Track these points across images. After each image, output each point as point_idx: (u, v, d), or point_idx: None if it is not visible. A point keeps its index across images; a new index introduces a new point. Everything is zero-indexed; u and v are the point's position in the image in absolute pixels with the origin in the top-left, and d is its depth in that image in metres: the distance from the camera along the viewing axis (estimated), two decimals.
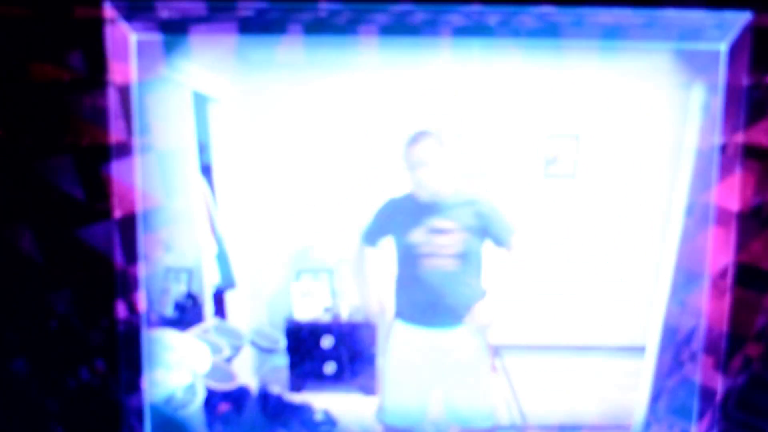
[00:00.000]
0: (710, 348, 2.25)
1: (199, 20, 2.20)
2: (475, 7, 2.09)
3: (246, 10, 2.15)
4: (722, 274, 2.19)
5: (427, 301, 2.70)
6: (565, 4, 2.08)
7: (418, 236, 2.67)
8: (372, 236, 2.84)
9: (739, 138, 2.13)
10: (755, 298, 2.16)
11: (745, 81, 2.11)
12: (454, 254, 2.65)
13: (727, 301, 2.18)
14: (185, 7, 2.13)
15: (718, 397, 2.22)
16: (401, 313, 2.80)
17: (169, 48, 2.28)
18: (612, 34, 2.23)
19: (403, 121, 4.05)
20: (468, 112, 4.22)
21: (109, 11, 2.07)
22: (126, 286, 2.21)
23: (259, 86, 4.11)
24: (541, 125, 4.35)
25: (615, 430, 3.03)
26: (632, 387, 2.85)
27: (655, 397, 2.66)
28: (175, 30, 2.24)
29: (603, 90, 4.13)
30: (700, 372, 2.30)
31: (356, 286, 3.00)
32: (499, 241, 2.72)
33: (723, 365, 2.20)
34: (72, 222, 2.13)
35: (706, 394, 2.26)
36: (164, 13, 2.16)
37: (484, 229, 2.68)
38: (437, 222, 2.65)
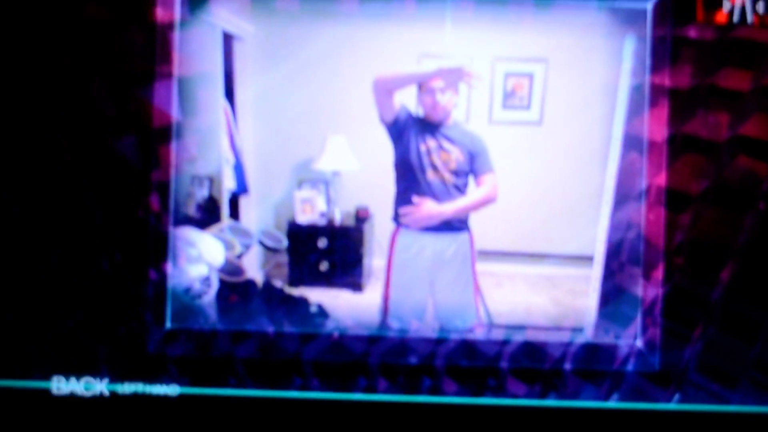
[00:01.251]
0: (636, 259, 2.57)
1: None
2: None
3: None
4: (652, 195, 2.50)
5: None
6: None
7: (424, 148, 3.03)
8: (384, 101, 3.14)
9: (666, 79, 2.48)
10: (676, 217, 2.45)
11: (668, 33, 2.46)
12: (451, 170, 3.05)
13: (655, 218, 2.49)
14: None
15: (644, 305, 2.52)
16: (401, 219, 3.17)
17: None
18: None
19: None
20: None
21: None
22: (157, 188, 2.48)
23: (277, 29, 4.33)
24: (501, 65, 4.60)
25: (568, 331, 3.19)
26: (583, 293, 3.10)
27: (602, 304, 2.94)
28: None
29: (550, 38, 4.15)
30: (627, 281, 2.65)
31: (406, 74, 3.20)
32: (476, 173, 3.11)
33: (646, 275, 2.51)
34: (111, 133, 2.41)
35: (633, 301, 2.58)
36: None
37: (473, 157, 3.09)
38: (441, 140, 3.05)
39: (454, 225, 3.16)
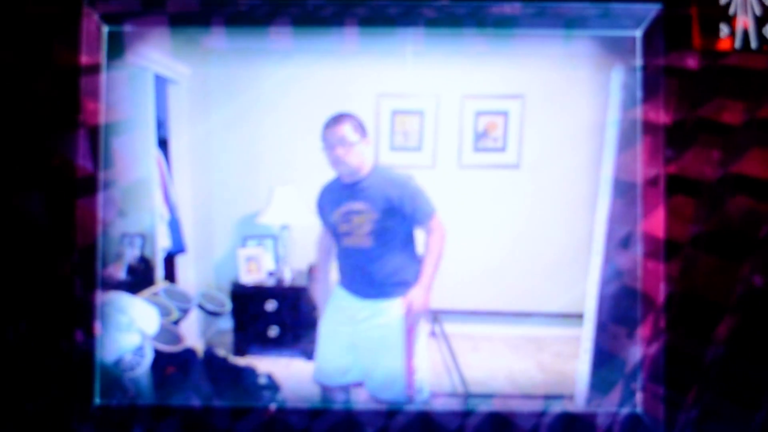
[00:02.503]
0: (632, 316, 2.42)
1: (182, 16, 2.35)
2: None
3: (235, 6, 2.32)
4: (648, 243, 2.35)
5: (353, 274, 2.88)
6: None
7: (336, 217, 2.83)
8: (323, 222, 3.00)
9: (660, 115, 2.31)
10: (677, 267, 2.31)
11: (660, 62, 2.31)
12: (368, 233, 2.78)
13: (653, 269, 2.34)
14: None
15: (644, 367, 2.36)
16: (341, 281, 2.96)
17: (136, 38, 2.42)
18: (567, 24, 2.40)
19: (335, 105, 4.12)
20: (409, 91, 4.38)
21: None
22: (80, 249, 2.30)
23: (216, 70, 4.19)
24: (471, 103, 4.46)
25: (557, 400, 3.06)
26: (571, 355, 3.00)
27: (595, 367, 2.81)
28: (151, 23, 2.40)
29: (526, 71, 4.26)
30: (623, 341, 2.49)
31: (317, 267, 3.17)
32: (416, 222, 2.85)
33: (643, 334, 2.35)
34: (21, 188, 2.25)
35: (629, 363, 2.42)
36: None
37: (399, 210, 2.79)
38: (351, 203, 2.79)
39: (376, 291, 2.89)
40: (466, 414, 2.44)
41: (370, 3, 2.35)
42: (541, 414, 2.42)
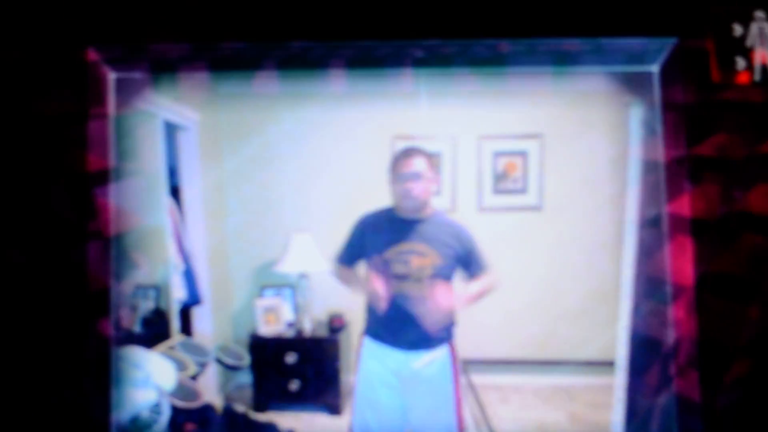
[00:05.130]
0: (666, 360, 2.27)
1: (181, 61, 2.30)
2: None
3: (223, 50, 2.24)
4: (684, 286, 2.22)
5: (400, 323, 2.64)
6: (515, 37, 2.20)
7: (391, 254, 2.63)
8: (349, 257, 2.79)
9: (682, 151, 2.20)
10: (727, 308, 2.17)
11: (678, 98, 2.20)
12: (425, 277, 2.61)
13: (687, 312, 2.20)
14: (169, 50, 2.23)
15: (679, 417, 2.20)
16: (371, 331, 2.76)
17: (145, 85, 2.34)
18: (559, 60, 2.34)
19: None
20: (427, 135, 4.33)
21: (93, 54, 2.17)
22: (98, 306, 2.17)
23: (227, 115, 4.21)
24: (489, 144, 4.43)
25: None
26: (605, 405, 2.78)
27: (629, 418, 2.62)
28: (159, 70, 2.34)
29: (543, 110, 4.23)
30: (659, 388, 2.31)
31: (354, 288, 2.86)
32: (471, 273, 2.71)
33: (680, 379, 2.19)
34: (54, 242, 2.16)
35: (667, 412, 2.27)
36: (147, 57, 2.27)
37: (461, 257, 2.67)
38: (412, 243, 2.63)
39: (421, 342, 2.73)
40: None
41: (359, 44, 2.29)
42: None
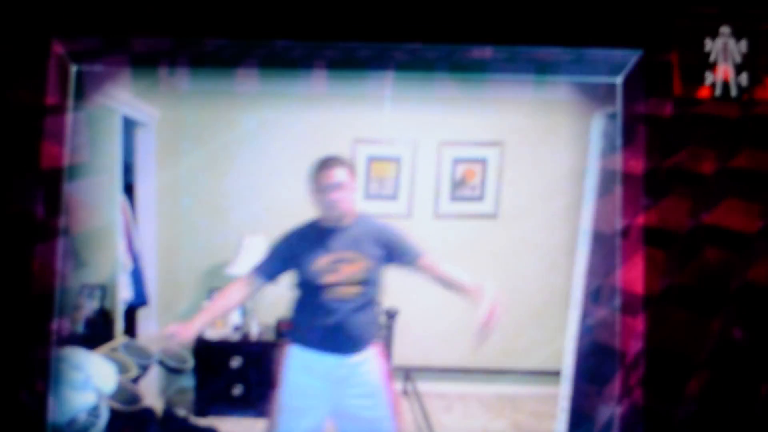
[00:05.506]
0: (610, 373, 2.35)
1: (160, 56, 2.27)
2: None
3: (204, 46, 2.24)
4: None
5: (328, 328, 2.67)
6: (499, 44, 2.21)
7: (320, 266, 2.66)
8: (270, 271, 2.79)
9: (639, 163, 2.27)
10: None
11: (640, 109, 2.28)
12: (356, 282, 2.66)
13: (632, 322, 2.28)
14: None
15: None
16: (299, 339, 2.77)
17: (104, 77, 2.32)
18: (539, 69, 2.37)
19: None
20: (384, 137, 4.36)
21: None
22: (44, 306, 2.18)
23: (187, 113, 4.14)
24: (449, 150, 4.46)
25: None
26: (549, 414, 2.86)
27: (572, 427, 2.69)
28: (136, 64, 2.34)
29: (505, 118, 4.27)
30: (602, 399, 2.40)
31: (209, 310, 2.94)
32: (409, 261, 2.76)
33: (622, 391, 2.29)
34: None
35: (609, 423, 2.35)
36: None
37: (391, 254, 2.73)
38: (341, 252, 2.67)
39: (353, 344, 2.75)
40: None
41: (341, 45, 2.29)
42: None
